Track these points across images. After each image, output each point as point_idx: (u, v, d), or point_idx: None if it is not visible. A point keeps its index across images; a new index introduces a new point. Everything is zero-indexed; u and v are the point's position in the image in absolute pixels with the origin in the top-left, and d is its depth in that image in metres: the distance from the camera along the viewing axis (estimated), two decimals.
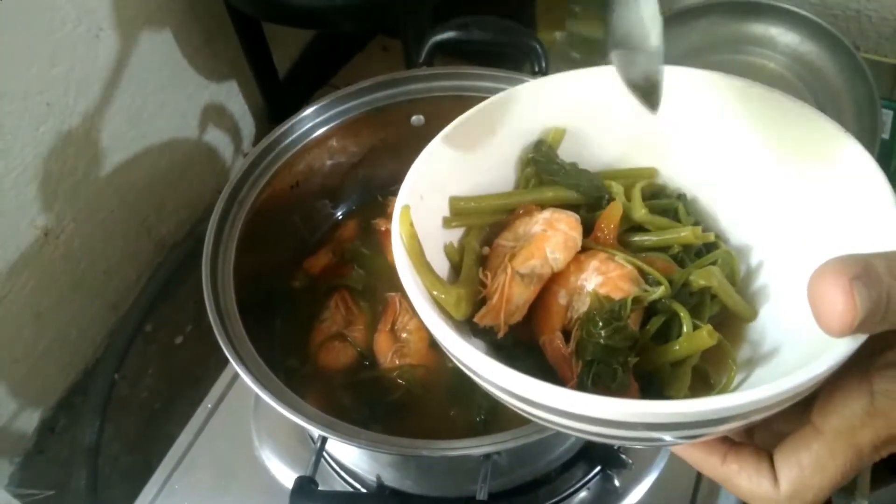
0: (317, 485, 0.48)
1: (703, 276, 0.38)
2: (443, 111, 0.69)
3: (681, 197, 0.44)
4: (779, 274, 0.40)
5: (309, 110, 0.64)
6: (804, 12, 0.91)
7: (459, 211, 0.42)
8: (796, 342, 0.35)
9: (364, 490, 0.66)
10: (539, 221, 0.41)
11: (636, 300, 0.37)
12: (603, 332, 0.36)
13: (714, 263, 0.40)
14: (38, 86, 0.79)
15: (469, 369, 0.32)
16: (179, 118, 0.99)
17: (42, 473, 0.89)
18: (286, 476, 0.69)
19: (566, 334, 0.38)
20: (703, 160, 0.43)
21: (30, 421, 0.90)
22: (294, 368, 0.65)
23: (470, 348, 0.31)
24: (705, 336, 0.36)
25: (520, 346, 0.39)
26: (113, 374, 0.91)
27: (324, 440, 0.51)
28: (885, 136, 0.94)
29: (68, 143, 0.85)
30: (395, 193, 0.39)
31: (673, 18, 0.97)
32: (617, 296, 0.38)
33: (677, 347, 0.37)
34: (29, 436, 0.91)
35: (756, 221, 0.42)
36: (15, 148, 0.78)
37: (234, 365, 0.50)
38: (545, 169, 0.43)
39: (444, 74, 0.67)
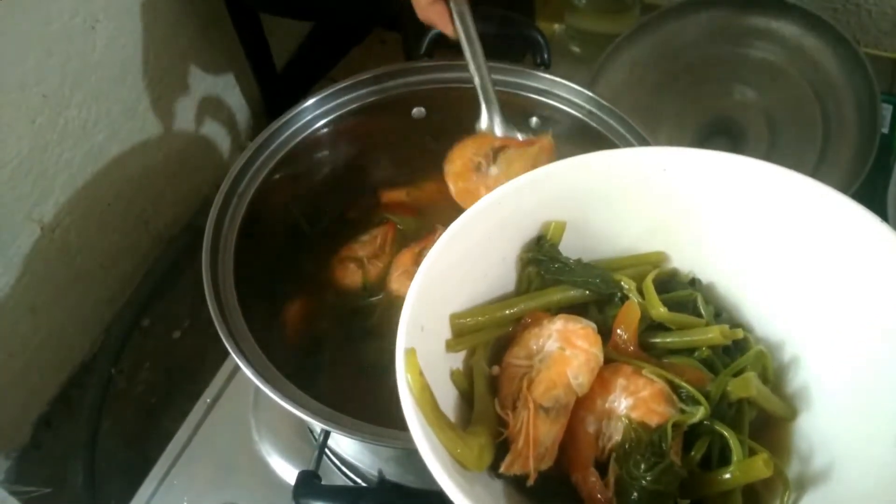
0: (320, 479, 0.48)
1: (741, 388, 0.36)
2: (444, 103, 0.69)
3: (695, 282, 0.42)
4: (817, 369, 0.37)
5: (308, 102, 0.64)
6: (805, 6, 0.90)
7: (462, 330, 0.38)
8: (849, 453, 0.33)
9: (365, 485, 0.65)
10: (552, 335, 0.38)
11: (675, 426, 0.34)
12: (648, 476, 0.33)
13: (746, 367, 0.37)
14: (34, 77, 0.78)
15: None
16: (176, 111, 0.98)
17: (38, 469, 0.89)
18: (286, 471, 0.68)
19: (599, 467, 0.35)
20: (718, 244, 0.41)
21: (26, 416, 0.90)
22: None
23: None
24: (761, 466, 0.33)
25: (549, 483, 0.35)
26: (110, 369, 0.90)
27: (326, 434, 0.50)
28: (885, 130, 0.94)
29: (64, 136, 0.84)
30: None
31: (673, 12, 0.96)
32: (652, 421, 0.35)
33: (728, 476, 0.34)
34: (25, 431, 0.90)
35: (783, 309, 0.39)
36: (10, 140, 0.77)
37: (235, 357, 0.50)
38: (548, 268, 0.40)
39: (445, 66, 0.67)
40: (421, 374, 0.33)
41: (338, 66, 1.14)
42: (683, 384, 0.35)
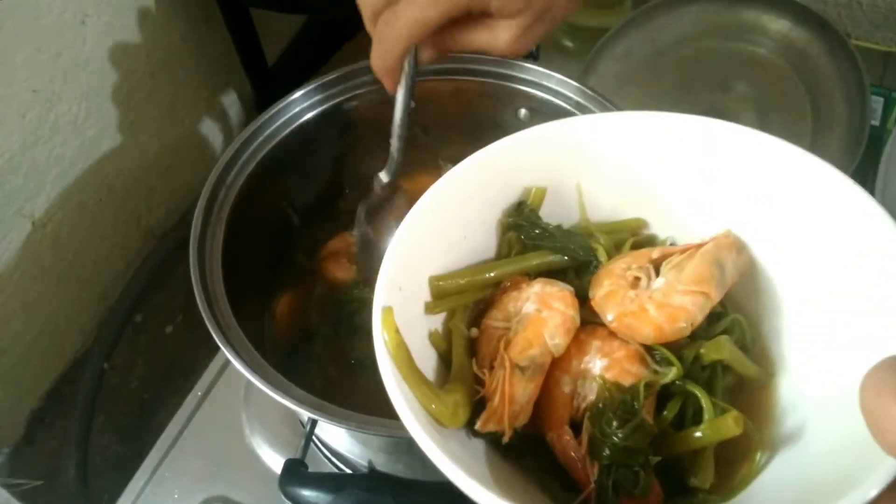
0: (306, 467, 0.48)
1: (714, 350, 0.36)
2: (433, 95, 0.69)
3: None
4: (795, 338, 0.37)
5: (296, 95, 0.64)
6: None
7: (441, 293, 0.38)
8: (823, 416, 0.33)
9: (351, 472, 0.66)
10: (530, 297, 0.38)
11: (648, 385, 0.35)
12: (619, 433, 0.33)
13: (724, 333, 0.37)
14: (24, 73, 0.78)
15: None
16: (168, 107, 0.98)
17: (32, 464, 0.89)
18: (277, 463, 0.69)
19: (574, 426, 0.36)
20: (697, 210, 0.41)
21: (19, 411, 0.90)
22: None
23: (476, 485, 0.28)
24: (731, 424, 0.33)
25: (525, 442, 0.36)
26: (102, 364, 0.90)
27: (313, 423, 0.51)
28: (876, 122, 0.94)
29: (55, 131, 0.84)
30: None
31: (664, 5, 0.96)
32: (626, 381, 0.35)
33: (699, 435, 0.34)
34: (18, 426, 0.90)
35: (764, 280, 0.39)
36: (0, 135, 0.77)
37: (222, 347, 0.50)
38: (528, 233, 0.40)
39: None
40: (397, 331, 0.33)
41: (330, 62, 1.14)
42: (659, 347, 0.36)
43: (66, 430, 0.86)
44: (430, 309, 0.38)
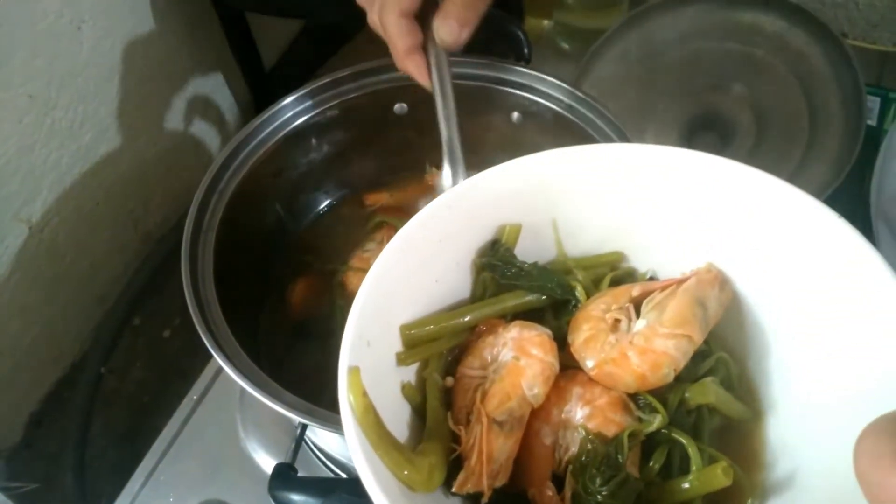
0: (296, 471, 0.48)
1: (699, 394, 0.35)
2: (426, 99, 0.69)
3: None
4: (781, 374, 0.36)
5: (289, 99, 0.64)
6: (792, 0, 0.90)
7: (413, 341, 0.36)
8: (816, 464, 0.32)
9: (345, 476, 0.66)
10: (507, 343, 0.36)
11: (632, 436, 0.33)
12: (604, 490, 0.32)
13: (709, 373, 0.36)
14: (20, 78, 0.78)
15: None
16: (165, 110, 0.99)
17: (30, 467, 0.89)
18: (272, 467, 0.69)
19: (557, 479, 0.34)
20: (678, 244, 0.39)
21: (17, 415, 0.90)
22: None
23: None
24: (720, 475, 0.32)
25: (504, 499, 0.34)
26: (100, 368, 0.91)
27: (303, 427, 0.51)
28: (872, 122, 0.94)
29: (52, 136, 0.84)
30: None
31: (661, 6, 0.96)
32: (609, 430, 0.34)
33: (687, 486, 0.33)
34: (17, 430, 0.90)
35: (747, 313, 0.38)
36: None
37: (213, 353, 0.50)
38: (503, 273, 0.39)
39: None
40: (364, 394, 0.31)
41: (326, 65, 1.15)
42: (643, 393, 0.35)
43: (64, 434, 0.87)
44: (402, 360, 0.36)
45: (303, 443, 0.63)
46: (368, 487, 0.29)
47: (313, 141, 0.68)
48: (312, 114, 0.65)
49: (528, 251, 0.40)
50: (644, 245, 0.41)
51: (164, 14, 0.93)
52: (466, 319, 0.38)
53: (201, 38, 1.00)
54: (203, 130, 1.06)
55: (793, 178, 0.77)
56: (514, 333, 0.37)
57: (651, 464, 0.34)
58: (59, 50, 0.82)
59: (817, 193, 0.36)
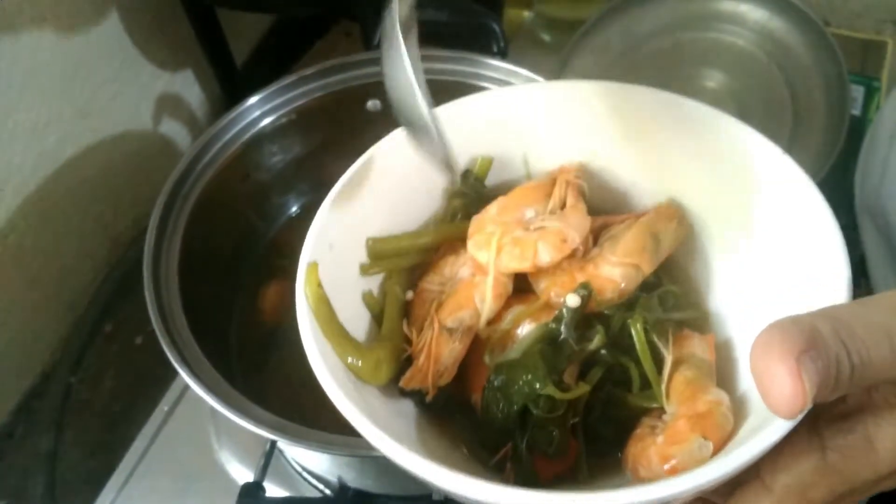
0: (264, 490, 0.46)
1: (640, 320, 0.36)
2: None
3: None
4: (729, 308, 0.38)
5: (255, 99, 0.62)
6: None
7: (378, 253, 0.39)
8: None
9: (328, 491, 0.64)
10: (467, 262, 0.38)
11: (570, 356, 0.35)
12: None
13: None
14: None
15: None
16: (133, 110, 0.96)
17: (1, 481, 0.86)
18: (246, 479, 0.67)
19: None
20: (646, 179, 0.41)
21: None
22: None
23: (385, 437, 0.28)
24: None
25: (451, 404, 0.37)
26: (70, 377, 0.88)
27: (273, 443, 0.49)
28: (856, 111, 0.93)
29: (14, 139, 0.81)
30: None
31: None
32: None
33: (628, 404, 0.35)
34: None
35: (702, 251, 0.40)
36: None
37: (176, 366, 0.48)
38: (473, 203, 0.41)
39: None
40: (320, 286, 0.33)
41: (302, 60, 1.12)
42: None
43: (35, 447, 0.84)
44: (365, 270, 0.38)
45: (280, 455, 0.62)
46: (316, 370, 0.31)
47: (282, 142, 0.65)
48: (280, 113, 0.63)
49: (499, 183, 0.42)
50: (611, 182, 0.43)
51: (129, 9, 0.90)
52: (431, 238, 0.41)
53: (170, 34, 0.97)
54: (173, 129, 1.03)
55: None
56: None
57: (587, 379, 0.35)
58: (19, 48, 0.78)
59: None
